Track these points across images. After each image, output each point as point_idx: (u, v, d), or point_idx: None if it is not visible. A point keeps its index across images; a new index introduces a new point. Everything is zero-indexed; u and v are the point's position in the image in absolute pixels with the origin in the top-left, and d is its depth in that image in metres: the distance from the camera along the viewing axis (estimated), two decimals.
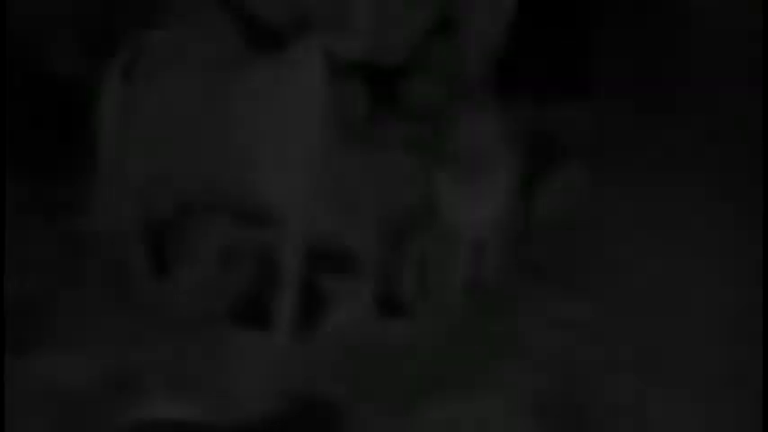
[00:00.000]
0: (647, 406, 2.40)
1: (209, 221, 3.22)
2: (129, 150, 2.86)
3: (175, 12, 3.11)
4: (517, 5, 3.73)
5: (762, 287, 2.58)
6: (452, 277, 3.01)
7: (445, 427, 2.29)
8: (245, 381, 2.45)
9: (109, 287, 2.92)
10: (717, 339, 2.54)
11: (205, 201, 2.93)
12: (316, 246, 2.92)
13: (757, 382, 2.40)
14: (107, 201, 2.88)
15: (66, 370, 2.69)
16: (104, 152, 2.93)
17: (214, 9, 3.20)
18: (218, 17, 3.19)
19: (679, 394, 2.40)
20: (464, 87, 4.13)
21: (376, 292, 3.00)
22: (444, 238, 2.94)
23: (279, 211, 2.79)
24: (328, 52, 2.81)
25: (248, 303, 2.91)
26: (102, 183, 2.89)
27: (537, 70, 4.77)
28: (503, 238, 2.96)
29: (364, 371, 2.67)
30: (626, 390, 2.46)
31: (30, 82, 4.17)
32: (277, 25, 3.68)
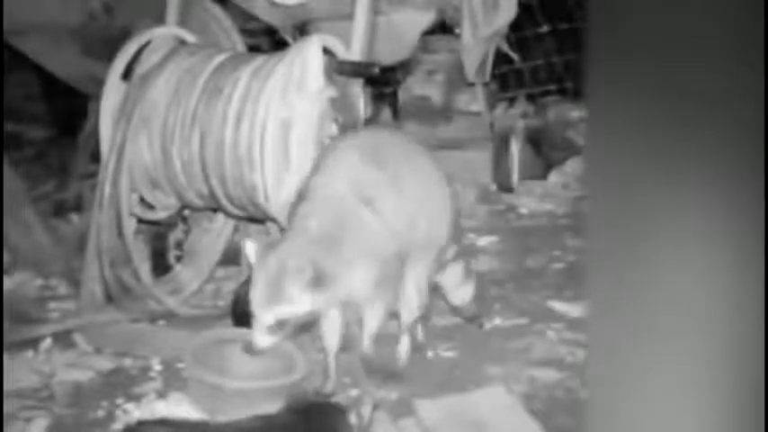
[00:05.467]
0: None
1: (209, 221, 3.23)
2: (129, 150, 2.87)
3: (176, 11, 3.11)
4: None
5: (763, 287, 2.56)
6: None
7: (445, 424, 2.28)
8: (244, 380, 2.45)
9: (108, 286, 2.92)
10: (716, 339, 2.53)
11: (205, 201, 2.93)
12: None
13: (757, 382, 2.39)
14: (107, 201, 2.88)
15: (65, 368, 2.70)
16: (105, 152, 2.94)
17: (214, 8, 3.21)
18: (218, 17, 3.20)
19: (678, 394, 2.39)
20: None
21: None
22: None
23: (279, 212, 2.79)
24: (328, 52, 2.81)
25: (248, 303, 2.90)
26: (102, 183, 2.89)
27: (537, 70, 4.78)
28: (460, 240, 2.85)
29: (363, 369, 2.67)
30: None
31: (31, 82, 4.19)
32: (278, 27, 3.70)
